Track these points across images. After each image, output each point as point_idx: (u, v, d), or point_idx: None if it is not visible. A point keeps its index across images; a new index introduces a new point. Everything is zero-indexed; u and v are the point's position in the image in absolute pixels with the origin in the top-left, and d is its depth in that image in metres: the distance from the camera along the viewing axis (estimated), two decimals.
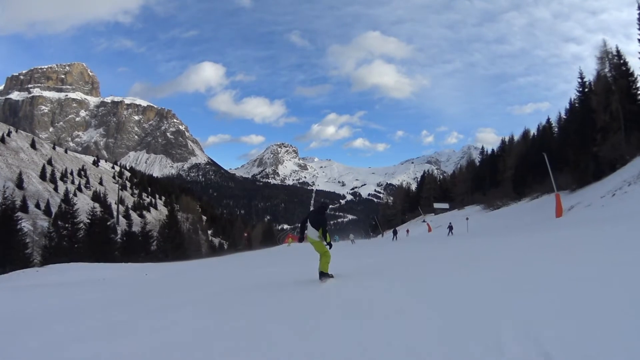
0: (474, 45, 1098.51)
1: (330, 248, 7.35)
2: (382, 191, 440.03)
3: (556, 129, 45.93)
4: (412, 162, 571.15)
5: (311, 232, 7.34)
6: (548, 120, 48.72)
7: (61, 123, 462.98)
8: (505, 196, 45.01)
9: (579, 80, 37.39)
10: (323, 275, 7.20)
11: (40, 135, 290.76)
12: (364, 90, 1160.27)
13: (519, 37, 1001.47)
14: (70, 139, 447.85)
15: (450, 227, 33.17)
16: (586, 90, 36.23)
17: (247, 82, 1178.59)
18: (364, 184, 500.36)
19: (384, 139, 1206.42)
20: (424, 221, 57.41)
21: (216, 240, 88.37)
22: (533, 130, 53.90)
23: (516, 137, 58.71)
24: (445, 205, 67.42)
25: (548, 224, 19.32)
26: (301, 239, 7.86)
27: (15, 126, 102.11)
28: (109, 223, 31.00)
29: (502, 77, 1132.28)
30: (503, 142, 62.97)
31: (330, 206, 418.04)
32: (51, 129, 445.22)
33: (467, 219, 32.38)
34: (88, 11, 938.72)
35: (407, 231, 41.06)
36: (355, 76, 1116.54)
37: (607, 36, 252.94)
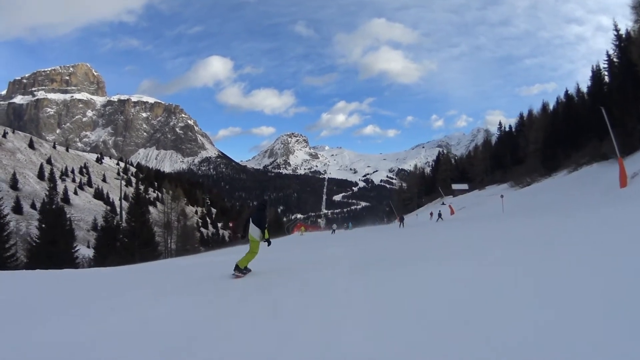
0: (479, 29, 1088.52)
1: (269, 245, 7.21)
2: (394, 177, 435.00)
3: (575, 99, 43.19)
4: (423, 147, 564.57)
5: (253, 231, 7.02)
6: (567, 92, 45.82)
7: (68, 124, 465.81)
8: (534, 172, 40.96)
9: (615, 33, 34.27)
10: (238, 269, 6.87)
11: (47, 138, 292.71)
12: (372, 77, 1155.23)
13: (523, 19, 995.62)
14: (78, 139, 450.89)
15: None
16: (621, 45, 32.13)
17: (255, 74, 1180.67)
18: (376, 171, 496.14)
19: (393, 125, 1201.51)
20: (443, 203, 53.49)
21: (227, 233, 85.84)
22: (552, 104, 51.18)
23: (535, 112, 56.05)
24: (465, 186, 63.65)
25: (615, 196, 15.26)
26: (243, 236, 7.33)
27: (21, 130, 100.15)
28: (68, 216, 26.65)
29: (509, 59, 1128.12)
30: (521, 117, 60.55)
31: (343, 194, 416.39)
32: (58, 131, 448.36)
33: (501, 196, 28.34)
34: (90, 13, 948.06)
35: (431, 214, 37.08)
36: (362, 63, 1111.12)
37: (607, 16, 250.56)
